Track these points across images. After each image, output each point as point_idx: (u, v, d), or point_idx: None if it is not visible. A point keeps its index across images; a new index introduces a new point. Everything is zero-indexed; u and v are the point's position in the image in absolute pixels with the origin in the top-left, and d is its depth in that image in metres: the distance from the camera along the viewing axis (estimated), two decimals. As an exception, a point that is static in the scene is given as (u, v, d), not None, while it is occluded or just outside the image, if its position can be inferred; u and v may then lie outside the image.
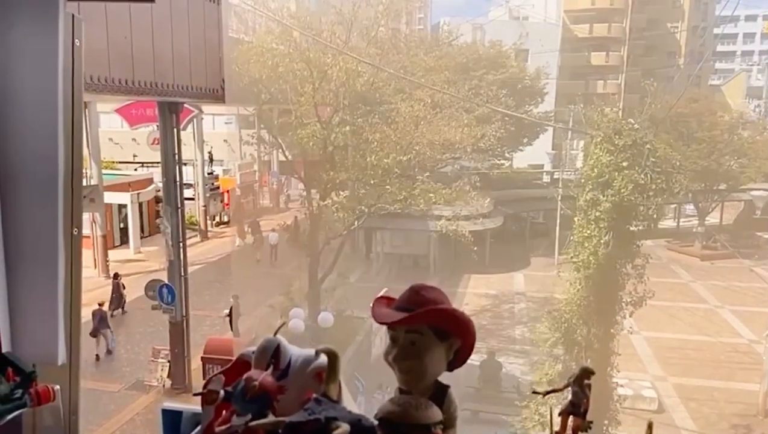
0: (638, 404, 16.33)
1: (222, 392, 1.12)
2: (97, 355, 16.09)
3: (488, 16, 47.35)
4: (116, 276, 20.15)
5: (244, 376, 1.11)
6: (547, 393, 1.41)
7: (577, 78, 50.84)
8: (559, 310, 13.07)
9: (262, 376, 1.11)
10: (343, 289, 22.18)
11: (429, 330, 1.18)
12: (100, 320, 16.34)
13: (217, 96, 11.57)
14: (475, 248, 21.62)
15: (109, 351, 16.50)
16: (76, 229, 1.13)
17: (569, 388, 1.26)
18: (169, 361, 14.59)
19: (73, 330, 1.15)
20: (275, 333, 1.22)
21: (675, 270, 29.84)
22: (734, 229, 35.00)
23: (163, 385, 14.57)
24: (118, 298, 19.31)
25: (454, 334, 1.20)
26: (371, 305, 1.25)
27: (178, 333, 14.39)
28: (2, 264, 1.08)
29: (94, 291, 21.28)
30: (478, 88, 28.62)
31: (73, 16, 1.11)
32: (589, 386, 1.25)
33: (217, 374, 1.17)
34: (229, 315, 18.79)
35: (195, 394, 1.15)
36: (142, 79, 9.09)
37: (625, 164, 11.36)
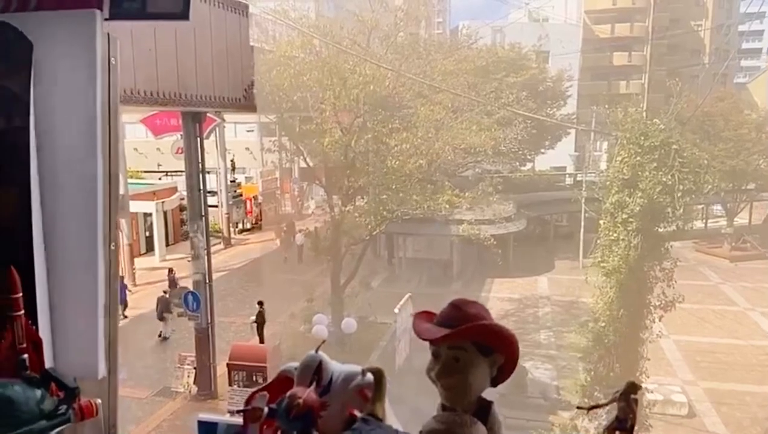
0: (668, 409, 16.01)
1: (266, 409, 1.12)
2: (163, 335, 18.41)
3: (508, 19, 47.09)
4: (171, 271, 21.16)
5: (288, 393, 1.10)
6: (591, 408, 1.38)
7: (599, 79, 50.27)
8: (590, 316, 12.90)
9: (306, 393, 1.10)
10: (366, 295, 22.19)
11: (472, 346, 1.17)
12: (165, 306, 18.12)
13: (242, 105, 11.67)
14: (499, 252, 21.47)
15: (165, 337, 18.38)
16: (113, 244, 1.15)
17: (614, 403, 1.23)
18: (195, 368, 14.74)
19: (112, 343, 1.16)
20: (316, 350, 1.22)
21: (703, 272, 29.23)
22: (764, 229, 34.17)
23: (190, 392, 14.72)
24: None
25: (498, 350, 1.19)
26: (412, 320, 1.24)
27: (204, 340, 14.54)
28: (45, 280, 1.10)
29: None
30: (498, 91, 28.44)
31: (108, 35, 1.13)
32: (636, 401, 1.22)
33: (260, 390, 1.17)
34: (256, 321, 18.95)
35: (238, 411, 1.15)
36: (167, 90, 9.19)
37: (653, 165, 11.17)
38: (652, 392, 13.69)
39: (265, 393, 1.15)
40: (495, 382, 1.22)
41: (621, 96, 44.23)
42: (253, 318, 18.88)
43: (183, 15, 1.14)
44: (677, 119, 14.07)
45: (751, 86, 53.01)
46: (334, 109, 19.17)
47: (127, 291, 21.08)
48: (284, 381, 1.20)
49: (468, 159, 24.90)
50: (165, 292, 18.76)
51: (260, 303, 19.10)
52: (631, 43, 51.36)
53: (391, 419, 1.18)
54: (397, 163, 19.31)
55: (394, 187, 19.93)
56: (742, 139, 29.76)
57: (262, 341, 18.92)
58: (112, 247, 1.15)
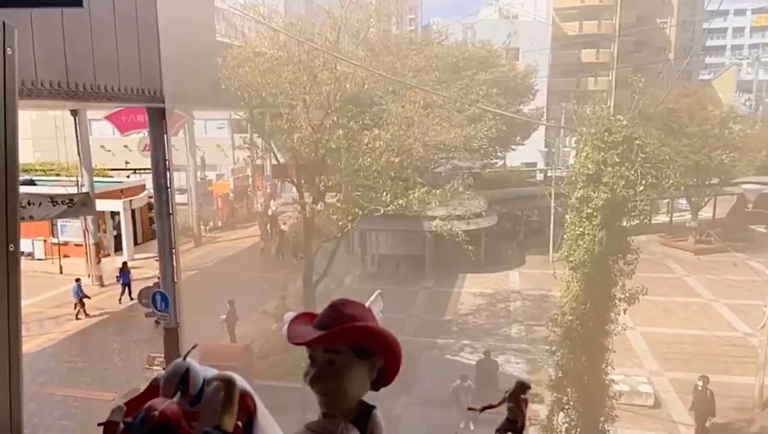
0: (634, 400, 16.35)
1: (122, 423, 1.06)
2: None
3: (478, 16, 47.43)
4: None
5: (146, 405, 1.05)
6: (484, 409, 1.38)
7: (567, 75, 51.03)
8: (557, 310, 13.08)
9: (165, 404, 1.05)
10: (339, 292, 22.11)
11: (348, 349, 1.13)
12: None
13: (156, 98, 11.09)
14: (470, 247, 21.59)
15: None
16: (12, 245, 1.09)
17: (506, 404, 1.23)
18: (164, 368, 14.53)
19: (12, 351, 1.10)
20: (184, 357, 1.17)
21: (669, 265, 29.92)
22: (727, 223, 35.10)
23: (159, 393, 14.51)
24: None
25: (376, 352, 1.15)
26: (288, 323, 1.20)
27: (173, 340, 14.32)
28: None
29: (92, 297, 21.17)
30: (469, 87, 28.60)
31: (3, 23, 1.06)
32: (525, 401, 1.22)
33: (129, 402, 1.13)
34: (227, 320, 18.77)
35: (99, 424, 1.10)
36: (79, 82, 8.60)
37: (617, 160, 11.36)
38: (618, 383, 13.96)
39: (123, 405, 1.10)
40: (377, 385, 1.18)
41: (589, 92, 44.98)
42: (224, 316, 18.72)
43: (76, 2, 1.09)
44: (641, 115, 14.32)
45: (715, 83, 54.41)
46: (305, 105, 19.02)
47: (130, 276, 21.42)
48: (154, 391, 1.15)
49: (439, 155, 24.99)
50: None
51: (231, 302, 18.92)
52: (599, 40, 52.25)
53: (270, 427, 1.14)
54: (369, 159, 19.25)
55: (366, 184, 19.87)
56: (705, 134, 30.44)
57: (233, 340, 18.78)
58: (11, 249, 1.09)
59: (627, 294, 11.86)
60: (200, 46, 14.95)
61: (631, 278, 11.70)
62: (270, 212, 33.19)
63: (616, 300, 11.98)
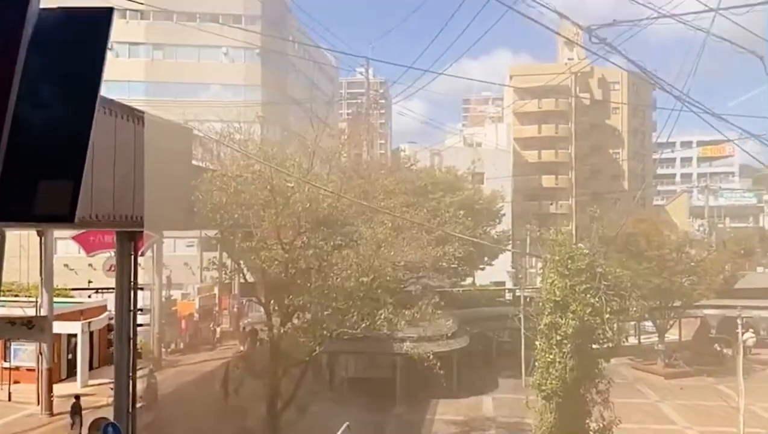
0: None
1: None
2: None
3: (445, 144, 50.24)
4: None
5: None
6: None
7: (530, 199, 53.41)
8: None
9: None
10: (305, 421, 20.98)
11: None
12: None
13: (127, 223, 11.12)
14: (442, 371, 21.08)
15: None
16: None
17: None
18: None
19: None
20: None
21: (641, 390, 29.55)
22: (693, 346, 35.37)
23: None
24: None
25: None
26: None
27: (123, 479, 13.15)
28: None
29: (37, 429, 19.71)
30: (436, 209, 29.52)
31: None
32: None
33: None
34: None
35: None
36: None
37: (582, 287, 11.61)
38: None
39: None
40: None
41: (552, 215, 46.92)
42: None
43: (69, 218, 1.14)
44: (602, 241, 14.91)
45: (668, 208, 57.44)
46: (276, 225, 19.23)
47: None
48: None
49: (409, 275, 25.13)
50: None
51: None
52: (557, 167, 55.51)
53: None
54: (339, 279, 19.24)
55: (335, 305, 19.67)
56: (664, 258, 31.51)
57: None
58: None
59: (602, 425, 11.61)
60: (176, 172, 15.31)
61: (606, 409, 11.51)
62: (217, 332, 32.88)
63: (591, 433, 11.69)
